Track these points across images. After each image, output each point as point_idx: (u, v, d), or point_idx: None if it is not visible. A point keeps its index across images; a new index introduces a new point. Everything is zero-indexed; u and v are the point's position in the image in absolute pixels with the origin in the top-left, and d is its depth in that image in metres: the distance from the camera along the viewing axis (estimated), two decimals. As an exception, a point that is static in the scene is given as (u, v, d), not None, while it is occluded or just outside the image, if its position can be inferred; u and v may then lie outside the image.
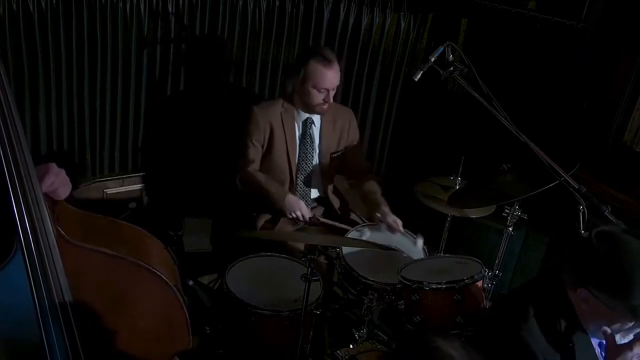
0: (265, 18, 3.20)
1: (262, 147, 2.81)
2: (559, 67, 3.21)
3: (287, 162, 2.83)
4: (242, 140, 2.80)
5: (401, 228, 2.70)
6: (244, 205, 2.91)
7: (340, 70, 2.70)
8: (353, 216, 3.00)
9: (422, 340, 1.33)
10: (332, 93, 2.69)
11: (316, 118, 2.83)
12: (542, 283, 1.78)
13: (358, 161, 3.00)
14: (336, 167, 2.95)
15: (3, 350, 1.46)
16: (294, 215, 2.69)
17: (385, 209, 2.75)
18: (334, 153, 2.91)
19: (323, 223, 2.80)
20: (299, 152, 2.84)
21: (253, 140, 2.78)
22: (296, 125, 2.81)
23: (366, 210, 2.86)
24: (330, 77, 2.64)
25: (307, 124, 2.82)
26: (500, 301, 1.95)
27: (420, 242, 2.68)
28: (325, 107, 2.71)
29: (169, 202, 3.45)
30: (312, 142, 2.85)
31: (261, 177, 2.78)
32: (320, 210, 2.96)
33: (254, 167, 2.81)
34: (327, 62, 2.62)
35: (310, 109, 2.75)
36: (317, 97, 2.68)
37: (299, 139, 2.83)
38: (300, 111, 2.80)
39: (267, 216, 2.83)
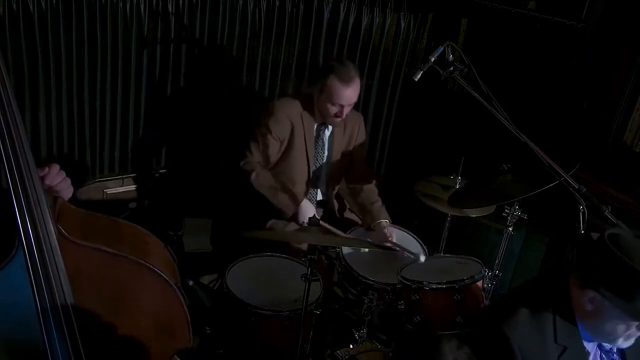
0: (265, 18, 3.20)
1: (282, 143, 2.78)
2: (559, 67, 3.21)
3: (307, 162, 2.82)
4: (260, 137, 2.74)
5: (393, 240, 2.69)
6: (248, 206, 2.91)
7: (359, 84, 2.69)
8: (352, 216, 3.00)
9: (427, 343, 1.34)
10: (347, 109, 2.68)
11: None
12: (540, 283, 1.78)
13: (361, 165, 3.00)
14: (342, 171, 2.96)
15: (3, 351, 1.46)
16: (305, 220, 2.68)
17: (383, 222, 2.75)
18: (342, 157, 2.91)
19: (323, 226, 2.80)
20: (314, 154, 2.85)
21: (274, 135, 2.73)
22: (313, 127, 2.81)
23: (362, 221, 2.86)
24: (347, 94, 2.63)
25: (320, 128, 2.83)
26: (497, 300, 1.95)
27: (422, 258, 2.64)
28: (338, 120, 2.72)
29: (169, 202, 3.45)
30: (323, 145, 2.85)
31: (274, 182, 2.76)
32: (320, 212, 2.96)
33: (270, 161, 2.79)
34: (346, 79, 2.61)
35: (324, 119, 2.76)
36: (331, 110, 2.68)
37: (314, 141, 2.83)
38: (317, 116, 2.80)
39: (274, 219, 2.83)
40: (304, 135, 2.78)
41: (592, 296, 1.57)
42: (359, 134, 2.94)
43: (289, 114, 2.74)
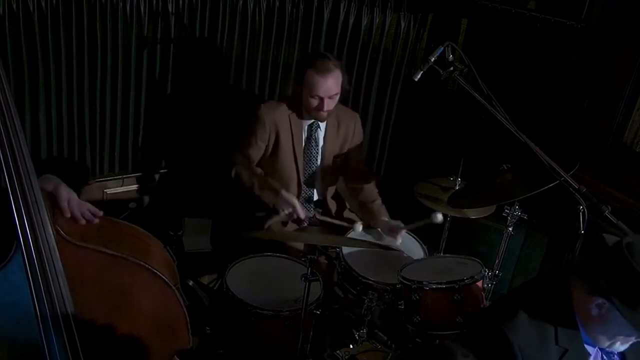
0: (265, 18, 3.20)
1: (267, 147, 2.80)
2: (559, 67, 3.21)
3: (295, 163, 2.82)
4: (246, 138, 2.78)
5: (403, 232, 2.70)
6: (247, 205, 2.91)
7: (341, 77, 2.68)
8: (352, 216, 3.00)
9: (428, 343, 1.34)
10: (328, 101, 2.66)
11: (322, 122, 2.83)
12: (541, 284, 1.78)
13: (358, 165, 3.00)
14: (338, 171, 2.95)
15: (4, 350, 1.46)
16: (287, 211, 2.65)
17: (384, 218, 2.75)
18: (336, 157, 2.91)
19: (323, 222, 2.80)
20: (304, 155, 2.84)
21: (257, 140, 2.77)
22: (303, 128, 2.81)
23: (363, 219, 2.87)
24: (325, 85, 2.61)
25: (312, 128, 2.82)
26: (497, 300, 1.95)
27: (439, 216, 2.62)
28: (322, 114, 2.70)
29: (169, 202, 3.45)
30: (317, 145, 2.85)
31: (258, 172, 2.77)
32: (318, 212, 2.96)
33: (252, 163, 2.81)
34: (323, 70, 2.60)
35: (310, 114, 2.75)
36: (312, 103, 2.67)
37: (304, 142, 2.83)
38: (305, 115, 2.80)
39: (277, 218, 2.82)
40: (292, 136, 2.78)
41: (600, 302, 1.56)
42: (355, 133, 2.93)
43: (274, 118, 2.75)
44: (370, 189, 2.89)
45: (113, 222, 1.65)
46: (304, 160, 2.84)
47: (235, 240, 2.89)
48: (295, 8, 3.24)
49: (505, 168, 2.49)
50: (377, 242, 2.68)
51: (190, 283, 2.64)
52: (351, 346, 2.58)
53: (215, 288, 2.95)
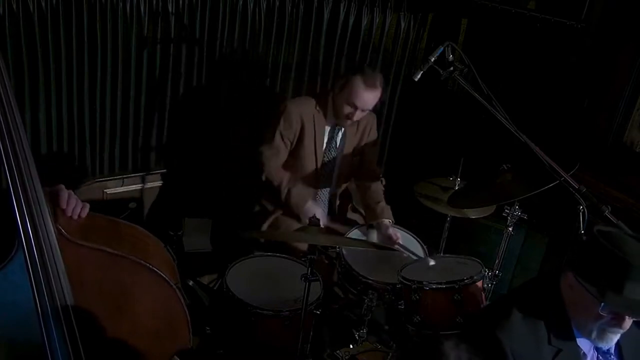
0: (265, 18, 3.20)
1: (292, 143, 2.80)
2: (559, 67, 3.21)
3: (315, 161, 2.83)
4: (272, 133, 2.77)
5: (400, 242, 2.70)
6: (249, 205, 2.91)
7: (380, 99, 2.70)
8: (353, 215, 3.01)
9: (428, 342, 1.35)
10: (360, 113, 2.68)
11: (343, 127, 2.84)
12: (535, 285, 1.78)
13: (370, 164, 2.99)
14: (351, 169, 2.96)
15: (4, 350, 1.46)
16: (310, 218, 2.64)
17: (385, 221, 2.75)
18: (352, 155, 2.92)
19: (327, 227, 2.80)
20: (324, 156, 2.85)
21: (284, 137, 2.76)
22: (325, 130, 2.82)
23: (367, 219, 2.87)
24: (365, 98, 2.63)
25: (334, 130, 2.83)
26: (492, 303, 1.96)
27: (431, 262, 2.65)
28: (348, 122, 2.73)
29: (169, 202, 3.45)
30: (336, 145, 2.86)
31: (286, 180, 2.76)
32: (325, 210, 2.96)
33: (280, 160, 2.79)
34: (370, 84, 2.61)
35: (336, 118, 2.76)
36: (345, 110, 2.68)
37: (325, 144, 2.84)
38: (330, 117, 2.80)
39: (272, 217, 2.82)
40: (314, 135, 2.78)
41: (570, 280, 1.61)
42: (371, 133, 2.95)
43: (301, 113, 2.75)
44: (377, 190, 2.89)
45: (113, 221, 1.65)
46: (323, 161, 2.85)
47: (235, 240, 2.89)
48: (295, 8, 3.24)
49: (505, 168, 2.49)
50: (377, 242, 2.68)
51: (190, 283, 2.64)
52: (351, 346, 2.58)
53: (215, 288, 2.95)
